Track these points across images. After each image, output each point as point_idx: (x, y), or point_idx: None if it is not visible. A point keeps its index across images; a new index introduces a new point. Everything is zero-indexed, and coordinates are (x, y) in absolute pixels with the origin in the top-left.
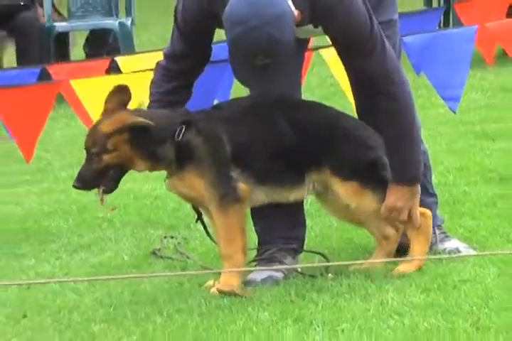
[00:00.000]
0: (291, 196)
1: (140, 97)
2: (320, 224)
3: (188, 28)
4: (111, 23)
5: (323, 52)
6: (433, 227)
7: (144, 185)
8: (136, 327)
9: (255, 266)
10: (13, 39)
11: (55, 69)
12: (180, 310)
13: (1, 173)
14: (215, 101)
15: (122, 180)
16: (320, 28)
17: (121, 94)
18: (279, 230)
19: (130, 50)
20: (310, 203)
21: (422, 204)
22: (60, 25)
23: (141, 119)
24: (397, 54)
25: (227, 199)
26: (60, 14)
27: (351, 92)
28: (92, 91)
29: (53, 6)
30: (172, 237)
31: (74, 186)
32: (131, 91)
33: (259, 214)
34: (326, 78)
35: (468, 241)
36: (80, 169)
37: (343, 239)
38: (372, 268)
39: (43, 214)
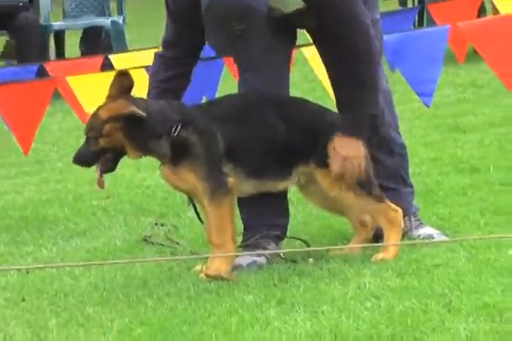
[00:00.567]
0: (278, 187)
1: (132, 92)
2: (301, 211)
3: (178, 10)
4: (104, 21)
5: (304, 50)
6: (409, 215)
7: (135, 175)
8: (129, 309)
9: (241, 251)
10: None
11: (52, 67)
12: (170, 293)
13: (0, 165)
14: (204, 98)
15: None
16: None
17: (122, 80)
18: (264, 218)
19: (122, 47)
20: (292, 192)
21: (399, 195)
22: (57, 24)
23: (136, 110)
24: (379, 50)
25: (219, 193)
26: None
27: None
28: (87, 87)
29: None
30: (162, 224)
31: (72, 161)
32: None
33: (245, 202)
34: (308, 74)
35: (441, 228)
36: (79, 148)
37: (323, 226)
38: (350, 253)
39: (41, 202)
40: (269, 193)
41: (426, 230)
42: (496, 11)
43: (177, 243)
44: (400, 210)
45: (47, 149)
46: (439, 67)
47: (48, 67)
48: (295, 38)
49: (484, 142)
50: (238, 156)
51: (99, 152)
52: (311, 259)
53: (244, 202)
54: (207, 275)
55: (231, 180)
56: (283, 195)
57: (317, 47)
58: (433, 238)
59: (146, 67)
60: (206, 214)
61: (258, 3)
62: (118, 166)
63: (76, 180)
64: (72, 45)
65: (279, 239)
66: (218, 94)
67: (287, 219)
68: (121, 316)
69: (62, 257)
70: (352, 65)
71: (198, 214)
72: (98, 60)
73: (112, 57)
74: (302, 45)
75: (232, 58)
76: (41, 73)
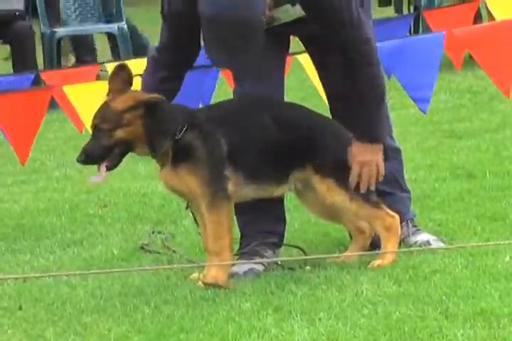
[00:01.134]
0: (276, 192)
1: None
2: (298, 219)
3: (172, 14)
4: (110, 27)
5: (300, 57)
6: (406, 221)
7: (132, 183)
8: (126, 317)
9: (237, 259)
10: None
11: (47, 75)
12: (167, 301)
13: None
14: (200, 106)
15: (112, 179)
16: (298, 7)
17: (122, 74)
18: (261, 225)
19: (128, 53)
20: (289, 199)
21: (396, 199)
22: (61, 31)
23: (155, 95)
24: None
25: (218, 198)
26: None
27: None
28: (83, 96)
29: None
30: (159, 232)
31: (78, 160)
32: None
33: (242, 209)
34: (304, 81)
35: (438, 234)
36: (84, 146)
37: (320, 233)
38: (348, 260)
39: (38, 211)
40: (266, 200)
41: (423, 236)
42: (491, 18)
43: (174, 251)
44: (396, 216)
45: (43, 158)
46: (435, 73)
47: (44, 75)
48: (289, 44)
49: (480, 148)
50: (238, 160)
51: (112, 145)
52: (308, 267)
53: (240, 209)
54: (204, 283)
55: (230, 186)
56: (279, 202)
57: (319, 57)
58: (430, 244)
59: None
60: (201, 219)
61: (257, 16)
62: (113, 177)
63: (73, 189)
64: (103, 50)
65: (276, 246)
66: (213, 102)
67: (284, 225)
68: (119, 324)
69: (59, 266)
70: (362, 79)
71: (194, 216)
72: (94, 68)
73: (107, 65)
74: (297, 53)
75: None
76: (37, 82)
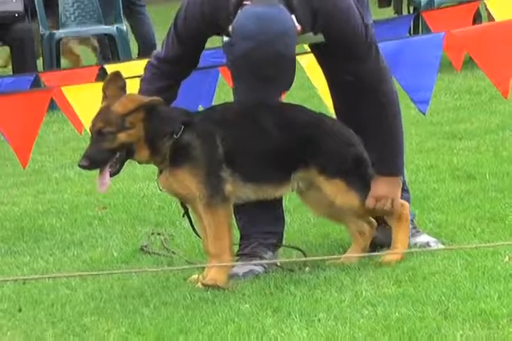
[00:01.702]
0: (277, 193)
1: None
2: (298, 220)
3: (189, 35)
4: (109, 28)
5: (300, 58)
6: None
7: (131, 185)
8: (125, 319)
9: (237, 260)
10: None
11: (47, 77)
12: (167, 302)
13: None
14: (200, 107)
15: (111, 181)
16: (320, 35)
17: (116, 81)
18: (260, 225)
19: (127, 54)
20: (288, 200)
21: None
22: (60, 33)
23: (155, 97)
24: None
25: (216, 199)
26: None
27: (330, 95)
28: (82, 97)
29: None
30: (159, 234)
31: (80, 165)
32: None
33: (241, 210)
34: (305, 82)
35: (438, 235)
36: (86, 150)
37: (320, 234)
38: (347, 262)
39: (38, 213)
40: (264, 201)
41: (422, 238)
42: (491, 18)
43: (173, 252)
44: (406, 204)
45: (43, 159)
46: (434, 74)
47: (43, 77)
48: None
49: (480, 149)
50: (236, 161)
51: (115, 149)
52: (307, 268)
53: (239, 210)
54: (203, 285)
55: (228, 188)
56: (278, 203)
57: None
58: (430, 246)
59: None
60: (200, 221)
61: (291, 50)
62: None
63: (72, 191)
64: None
65: (275, 246)
66: (214, 103)
67: (283, 226)
68: (118, 326)
69: (58, 267)
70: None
71: (193, 227)
72: (93, 69)
73: (106, 67)
74: (298, 54)
75: (227, 67)
76: (36, 83)
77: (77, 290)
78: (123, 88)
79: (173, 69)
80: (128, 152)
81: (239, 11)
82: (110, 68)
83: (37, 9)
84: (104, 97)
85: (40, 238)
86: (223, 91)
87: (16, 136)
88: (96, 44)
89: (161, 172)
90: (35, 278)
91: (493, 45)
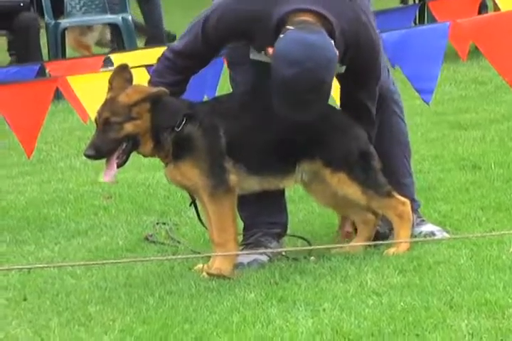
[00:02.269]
0: (281, 184)
1: None
2: (303, 210)
3: (217, 39)
4: (115, 18)
5: None
6: (412, 208)
7: (137, 174)
8: (130, 308)
9: (242, 250)
10: None
11: (52, 66)
12: (172, 291)
13: (2, 165)
14: (205, 98)
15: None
16: (343, 67)
17: (123, 73)
18: (264, 215)
19: (132, 44)
20: (294, 190)
21: (403, 184)
22: (64, 22)
23: (161, 88)
24: None
25: (220, 190)
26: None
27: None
28: (87, 86)
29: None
30: (164, 223)
31: (85, 155)
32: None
33: (245, 200)
34: None
35: (443, 225)
36: (92, 140)
37: (325, 224)
38: (352, 251)
39: (43, 202)
40: (267, 191)
41: (427, 227)
42: (496, 8)
43: (178, 242)
44: (407, 202)
45: (48, 149)
46: (439, 64)
47: (49, 66)
48: None
49: (486, 139)
50: (240, 152)
51: (121, 139)
52: (312, 257)
53: (243, 201)
54: (208, 274)
55: (232, 178)
56: (280, 193)
57: None
58: (434, 235)
59: (147, 66)
60: (206, 211)
61: (332, 75)
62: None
63: (77, 180)
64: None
65: (280, 236)
66: (218, 94)
67: (286, 216)
68: (123, 315)
69: (63, 257)
70: None
71: (198, 212)
72: (98, 59)
73: (112, 56)
74: None
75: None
76: (42, 73)
77: (82, 279)
78: (129, 80)
79: (186, 64)
80: (133, 143)
81: (281, 35)
82: (116, 58)
83: None
84: (110, 89)
85: (46, 227)
86: (227, 81)
87: (22, 125)
88: (108, 33)
89: (166, 164)
90: (41, 267)
91: (498, 35)
